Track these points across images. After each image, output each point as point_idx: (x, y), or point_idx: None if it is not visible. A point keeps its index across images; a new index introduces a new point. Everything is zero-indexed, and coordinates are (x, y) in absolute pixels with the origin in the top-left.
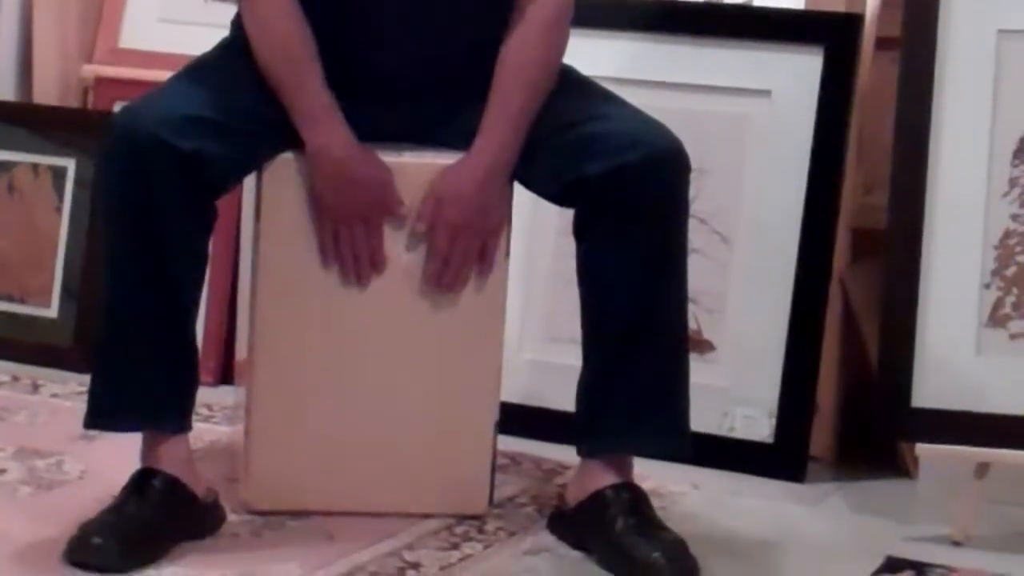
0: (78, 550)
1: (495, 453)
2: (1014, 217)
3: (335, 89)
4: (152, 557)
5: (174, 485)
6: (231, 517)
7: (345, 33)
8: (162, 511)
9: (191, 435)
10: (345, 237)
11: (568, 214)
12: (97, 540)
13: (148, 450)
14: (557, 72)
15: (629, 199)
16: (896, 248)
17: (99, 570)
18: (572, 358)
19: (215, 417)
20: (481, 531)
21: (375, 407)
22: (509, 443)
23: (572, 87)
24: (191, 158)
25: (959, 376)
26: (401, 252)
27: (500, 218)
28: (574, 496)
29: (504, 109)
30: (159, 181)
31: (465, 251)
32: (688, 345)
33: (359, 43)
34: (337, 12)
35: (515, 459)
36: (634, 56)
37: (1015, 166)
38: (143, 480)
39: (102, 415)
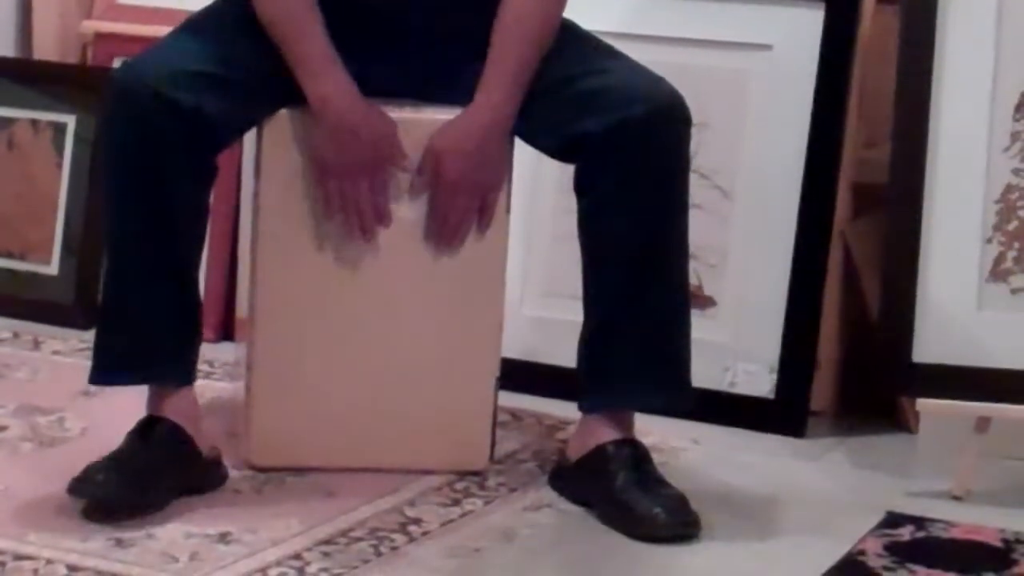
0: (80, 486)
1: (496, 409)
2: (1016, 172)
3: (338, 43)
4: (151, 498)
5: (178, 432)
6: (232, 473)
7: None
8: (165, 455)
9: (195, 388)
10: (349, 191)
11: (569, 170)
12: (101, 476)
13: (154, 400)
14: (557, 27)
15: (630, 154)
16: (897, 203)
17: (102, 504)
18: (573, 314)
19: (216, 374)
20: (482, 487)
21: (376, 364)
22: (510, 399)
23: (573, 42)
24: (192, 113)
25: (960, 331)
26: (401, 208)
27: (500, 174)
28: (575, 451)
29: (504, 65)
30: (160, 136)
31: (465, 207)
32: (689, 300)
33: None
34: None
35: (516, 415)
36: (635, 11)
37: (1016, 120)
38: (148, 426)
39: (106, 370)
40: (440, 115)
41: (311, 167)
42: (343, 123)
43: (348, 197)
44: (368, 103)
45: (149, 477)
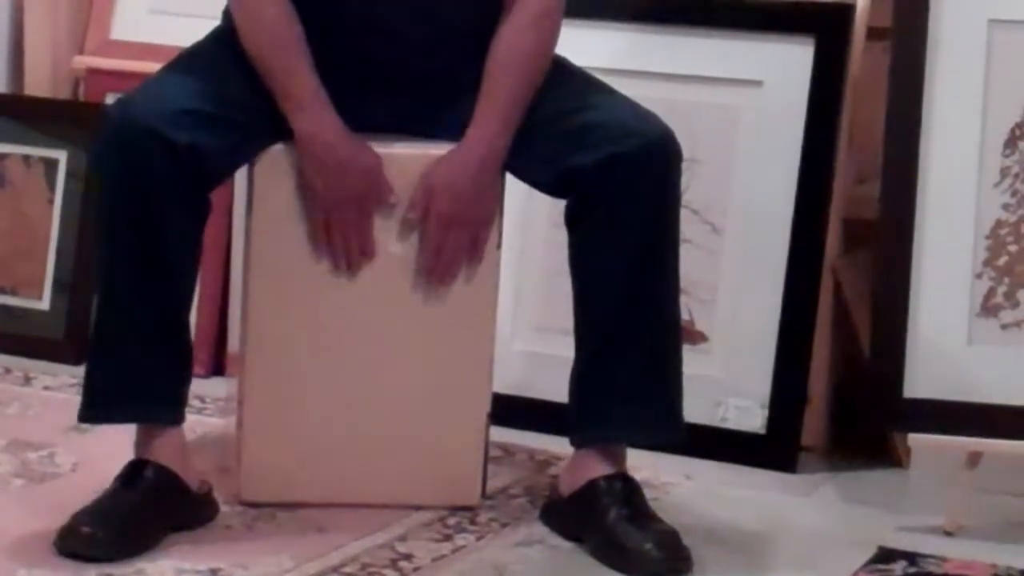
0: (68, 539)
1: (487, 444)
2: (1005, 207)
3: (326, 79)
4: (142, 547)
5: (166, 476)
6: (223, 509)
7: (337, 23)
8: (152, 502)
9: (183, 427)
10: (337, 224)
11: (560, 204)
12: (87, 529)
13: (142, 441)
14: (549, 63)
15: (621, 189)
16: (888, 238)
17: (88, 559)
18: (564, 349)
19: (207, 409)
20: (473, 522)
21: (367, 399)
22: (501, 434)
23: (564, 77)
24: (187, 151)
25: (951, 366)
26: (392, 243)
27: (491, 209)
28: (567, 486)
29: (496, 100)
30: (155, 174)
31: (457, 242)
32: (681, 335)
33: (351, 33)
34: (329, 2)
35: (508, 450)
36: (626, 46)
37: (1006, 156)
38: (135, 471)
39: (97, 407)
40: (430, 151)
41: (301, 199)
42: (328, 158)
43: (335, 230)
44: (354, 138)
45: (136, 526)
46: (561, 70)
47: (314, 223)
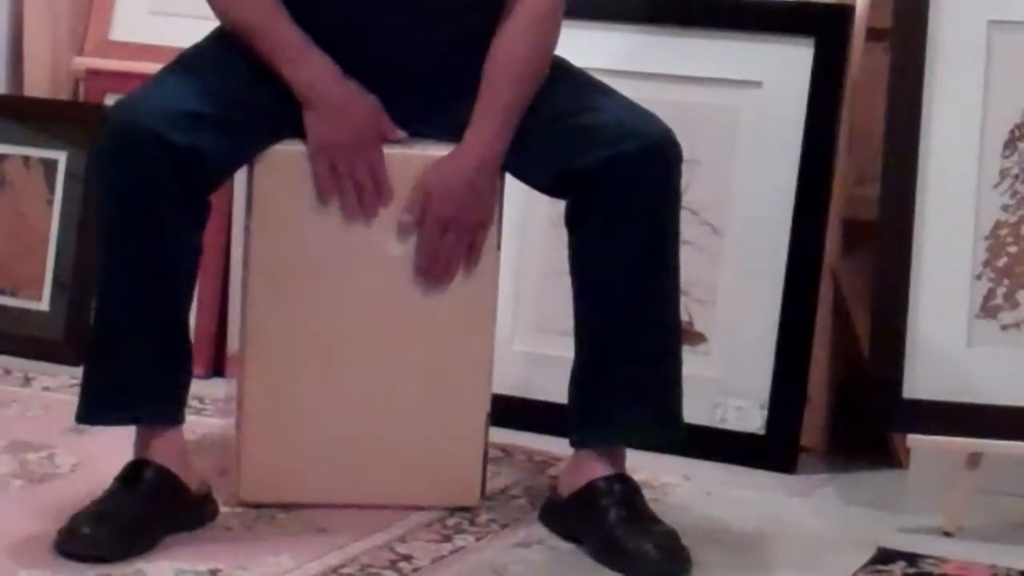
0: (68, 540)
1: (487, 445)
2: (1005, 208)
3: None
4: (141, 548)
5: (165, 477)
6: (223, 509)
7: (337, 23)
8: (152, 502)
9: (183, 427)
10: (345, 168)
11: (560, 205)
12: (86, 530)
13: (141, 442)
14: (548, 66)
15: (622, 190)
16: (887, 239)
17: (88, 559)
18: (564, 349)
19: (207, 410)
20: (473, 523)
21: (366, 399)
22: (501, 435)
23: (564, 78)
24: (187, 153)
25: (950, 367)
26: (392, 244)
27: (490, 211)
28: (566, 487)
29: (494, 103)
30: (155, 176)
31: (455, 245)
32: (681, 335)
33: (351, 33)
34: (329, 2)
35: (507, 451)
36: (625, 47)
37: (1006, 157)
38: (134, 471)
39: (94, 408)
40: (429, 150)
41: (308, 151)
42: (330, 101)
43: (344, 176)
44: (349, 80)
45: (136, 527)
46: (561, 71)
47: (321, 170)
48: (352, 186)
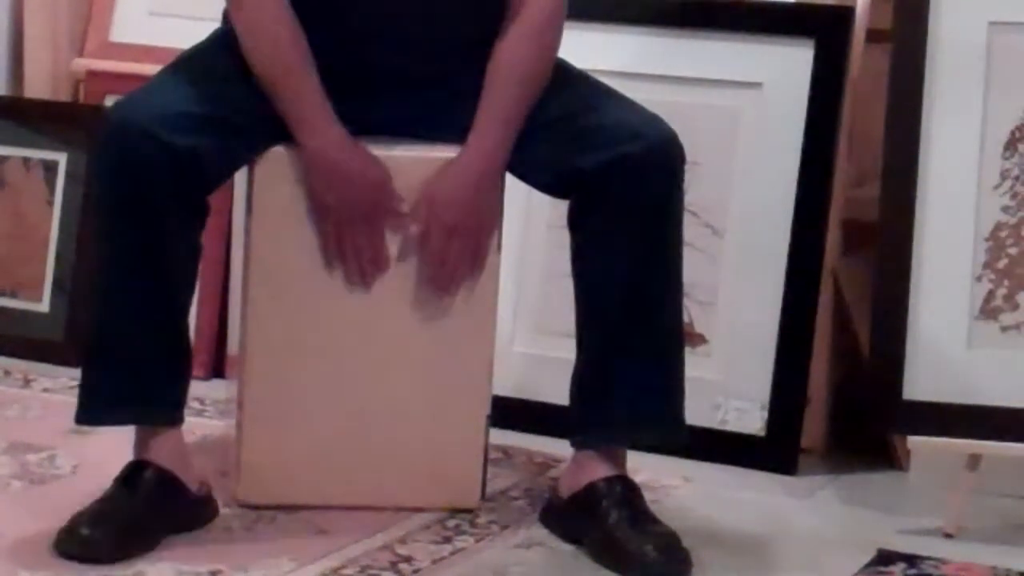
0: (67, 541)
1: (487, 446)
2: (1005, 209)
3: (328, 82)
4: (141, 549)
5: (165, 478)
6: (223, 510)
7: (339, 26)
8: (152, 504)
9: (183, 428)
10: (348, 238)
11: (562, 206)
12: (86, 531)
13: (141, 443)
14: (550, 70)
15: (625, 191)
16: (888, 240)
17: (88, 560)
18: (565, 351)
19: (207, 411)
20: (473, 524)
21: (367, 401)
22: (501, 436)
23: (566, 80)
24: (186, 154)
25: (951, 368)
26: (393, 248)
27: (493, 218)
28: (567, 488)
29: (497, 109)
30: (154, 177)
31: (460, 252)
32: (683, 337)
33: (353, 36)
34: (332, 5)
35: (507, 452)
36: (627, 50)
37: (1006, 158)
38: (134, 472)
39: (94, 409)
40: (433, 153)
41: (311, 214)
42: (337, 173)
43: (347, 244)
44: (361, 150)
45: (136, 528)
46: (563, 73)
47: (326, 237)
48: (354, 255)
